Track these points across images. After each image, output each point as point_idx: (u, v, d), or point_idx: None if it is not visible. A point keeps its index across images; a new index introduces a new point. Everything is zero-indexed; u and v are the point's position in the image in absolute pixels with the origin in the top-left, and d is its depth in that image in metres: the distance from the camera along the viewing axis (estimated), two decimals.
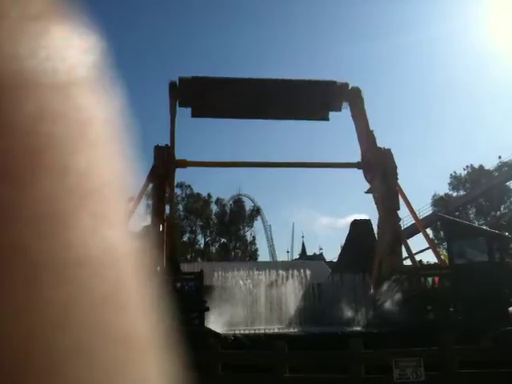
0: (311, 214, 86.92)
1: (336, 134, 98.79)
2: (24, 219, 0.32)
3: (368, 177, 24.78)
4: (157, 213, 23.26)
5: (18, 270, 0.31)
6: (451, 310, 16.02)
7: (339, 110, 25.56)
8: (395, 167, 23.76)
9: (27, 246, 0.31)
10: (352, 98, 24.79)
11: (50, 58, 0.35)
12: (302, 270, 24.26)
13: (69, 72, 0.36)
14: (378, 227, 24.16)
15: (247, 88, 23.94)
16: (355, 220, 28.74)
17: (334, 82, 24.89)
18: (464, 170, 50.91)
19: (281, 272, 24.16)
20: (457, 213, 43.11)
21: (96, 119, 0.38)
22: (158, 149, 23.90)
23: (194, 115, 25.54)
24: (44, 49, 0.34)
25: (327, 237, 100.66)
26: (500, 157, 45.55)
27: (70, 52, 0.37)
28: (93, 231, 0.35)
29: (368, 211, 28.38)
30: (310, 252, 67.52)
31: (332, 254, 77.29)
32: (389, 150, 24.10)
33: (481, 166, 48.98)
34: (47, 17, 0.36)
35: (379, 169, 23.69)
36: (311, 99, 24.34)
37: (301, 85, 24.36)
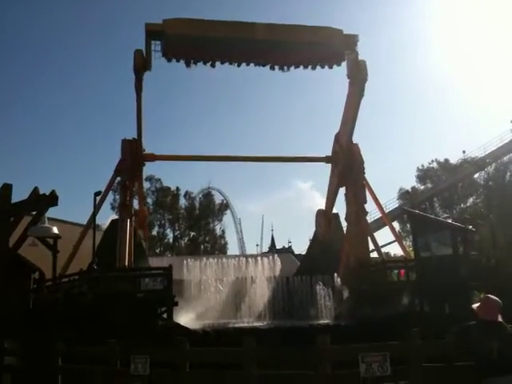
0: (280, 205, 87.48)
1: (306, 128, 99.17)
2: None
3: (335, 171, 25.00)
4: (124, 207, 22.91)
5: None
6: (416, 302, 16.32)
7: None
8: (362, 162, 23.98)
9: None
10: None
11: None
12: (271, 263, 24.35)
13: None
14: (346, 220, 24.41)
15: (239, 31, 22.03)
16: None
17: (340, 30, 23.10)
18: (430, 164, 51.62)
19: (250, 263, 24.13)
20: (423, 206, 43.90)
21: None
22: (125, 142, 23.41)
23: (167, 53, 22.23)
24: None
25: (295, 228, 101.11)
26: (464, 151, 46.48)
27: None
28: None
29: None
30: (279, 245, 67.97)
31: (300, 247, 77.85)
32: (356, 145, 24.29)
33: (446, 160, 49.78)
34: None
35: (348, 163, 23.93)
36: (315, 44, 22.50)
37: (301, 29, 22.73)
